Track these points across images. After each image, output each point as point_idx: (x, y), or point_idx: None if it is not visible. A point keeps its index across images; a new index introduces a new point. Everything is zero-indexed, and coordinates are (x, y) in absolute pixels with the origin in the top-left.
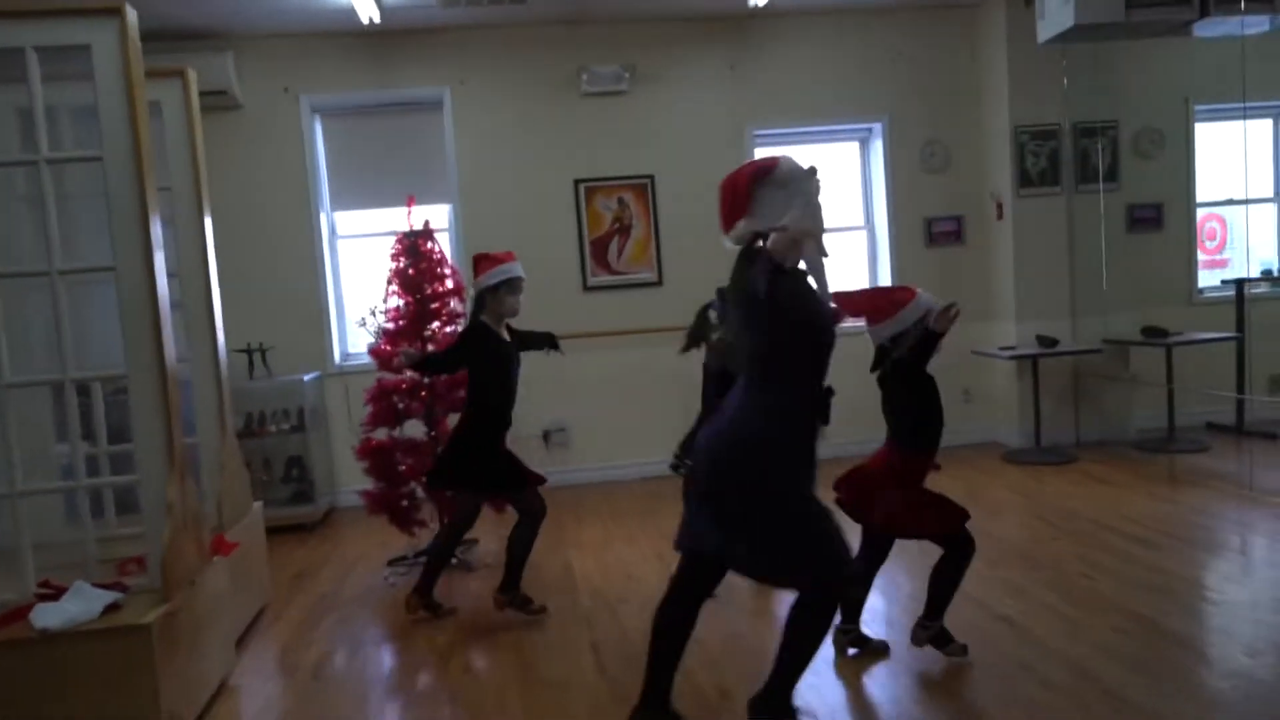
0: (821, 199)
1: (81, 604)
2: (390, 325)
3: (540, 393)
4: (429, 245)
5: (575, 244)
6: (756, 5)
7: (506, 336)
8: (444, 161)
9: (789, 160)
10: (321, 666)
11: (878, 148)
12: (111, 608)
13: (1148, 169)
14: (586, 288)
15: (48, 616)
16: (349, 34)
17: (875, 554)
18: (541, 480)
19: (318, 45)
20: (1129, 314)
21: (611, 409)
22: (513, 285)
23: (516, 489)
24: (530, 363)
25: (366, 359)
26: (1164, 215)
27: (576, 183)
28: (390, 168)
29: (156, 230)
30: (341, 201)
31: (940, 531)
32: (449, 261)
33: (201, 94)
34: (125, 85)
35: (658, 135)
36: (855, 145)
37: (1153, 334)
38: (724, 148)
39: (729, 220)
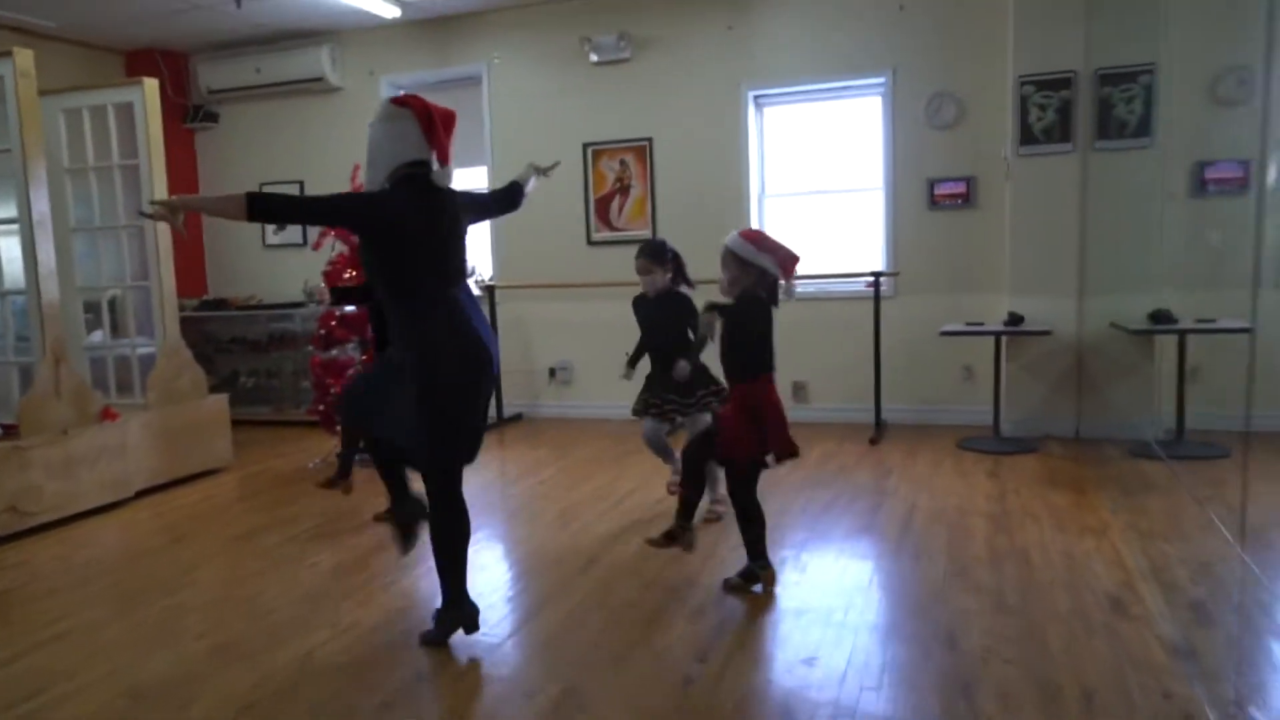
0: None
1: None
2: (329, 268)
3: (548, 334)
4: None
5: (582, 202)
6: None
7: None
8: (482, 129)
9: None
10: (168, 511)
11: (881, 104)
12: None
13: (1228, 118)
14: (591, 242)
15: None
16: (414, 23)
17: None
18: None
19: (391, 34)
20: (1182, 295)
21: (609, 351)
22: None
23: None
24: (540, 308)
25: None
26: (1252, 175)
27: (584, 146)
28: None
29: (41, 198)
30: None
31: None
32: None
33: (302, 81)
34: (19, 114)
35: (657, 99)
36: (878, 101)
37: (1162, 319)
38: (720, 110)
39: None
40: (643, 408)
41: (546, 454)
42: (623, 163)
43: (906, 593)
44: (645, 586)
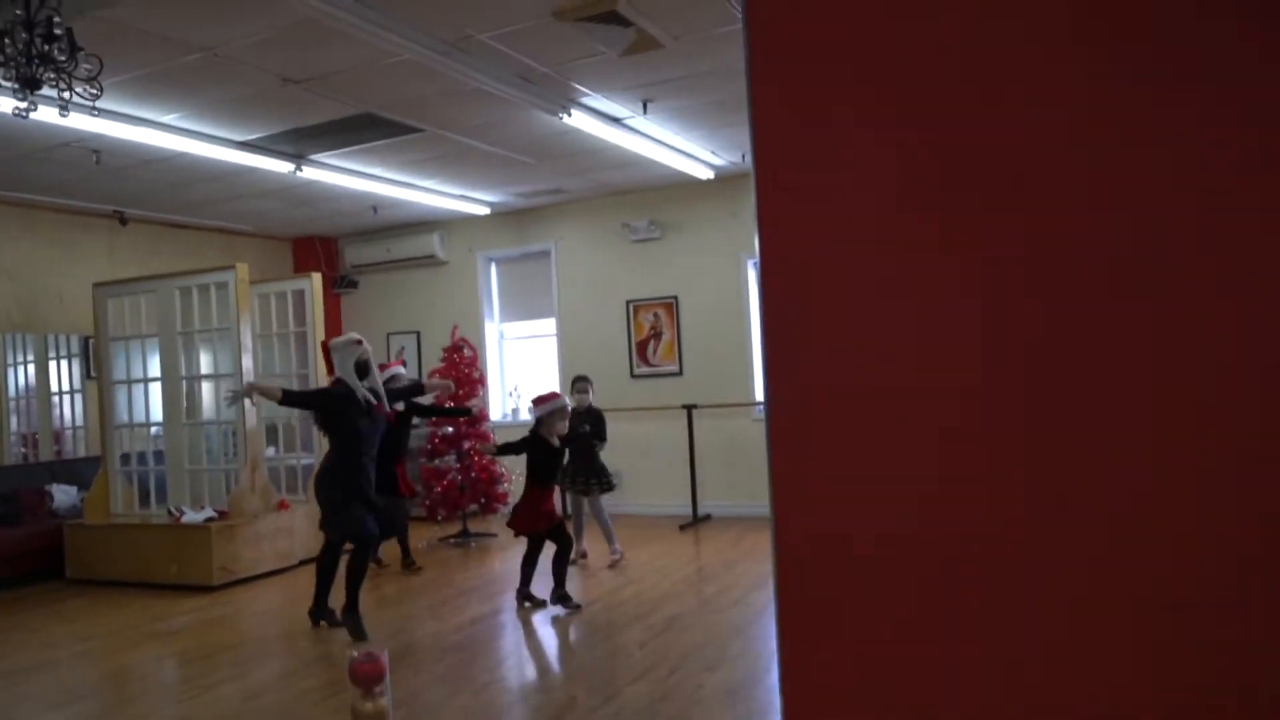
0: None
1: (200, 515)
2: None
3: (606, 449)
4: (462, 354)
5: (626, 345)
6: (709, 178)
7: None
8: (551, 290)
9: (337, 340)
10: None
11: None
12: (209, 519)
13: None
14: (633, 376)
15: (187, 517)
16: (500, 215)
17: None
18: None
19: (484, 223)
20: None
21: (649, 461)
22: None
23: None
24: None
25: (508, 416)
26: None
27: (627, 302)
28: (528, 294)
29: (247, 358)
30: (505, 315)
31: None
32: (476, 365)
33: (419, 257)
34: (236, 304)
35: (680, 267)
36: None
37: None
38: (726, 274)
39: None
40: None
41: (590, 540)
42: (656, 315)
43: None
44: (615, 610)
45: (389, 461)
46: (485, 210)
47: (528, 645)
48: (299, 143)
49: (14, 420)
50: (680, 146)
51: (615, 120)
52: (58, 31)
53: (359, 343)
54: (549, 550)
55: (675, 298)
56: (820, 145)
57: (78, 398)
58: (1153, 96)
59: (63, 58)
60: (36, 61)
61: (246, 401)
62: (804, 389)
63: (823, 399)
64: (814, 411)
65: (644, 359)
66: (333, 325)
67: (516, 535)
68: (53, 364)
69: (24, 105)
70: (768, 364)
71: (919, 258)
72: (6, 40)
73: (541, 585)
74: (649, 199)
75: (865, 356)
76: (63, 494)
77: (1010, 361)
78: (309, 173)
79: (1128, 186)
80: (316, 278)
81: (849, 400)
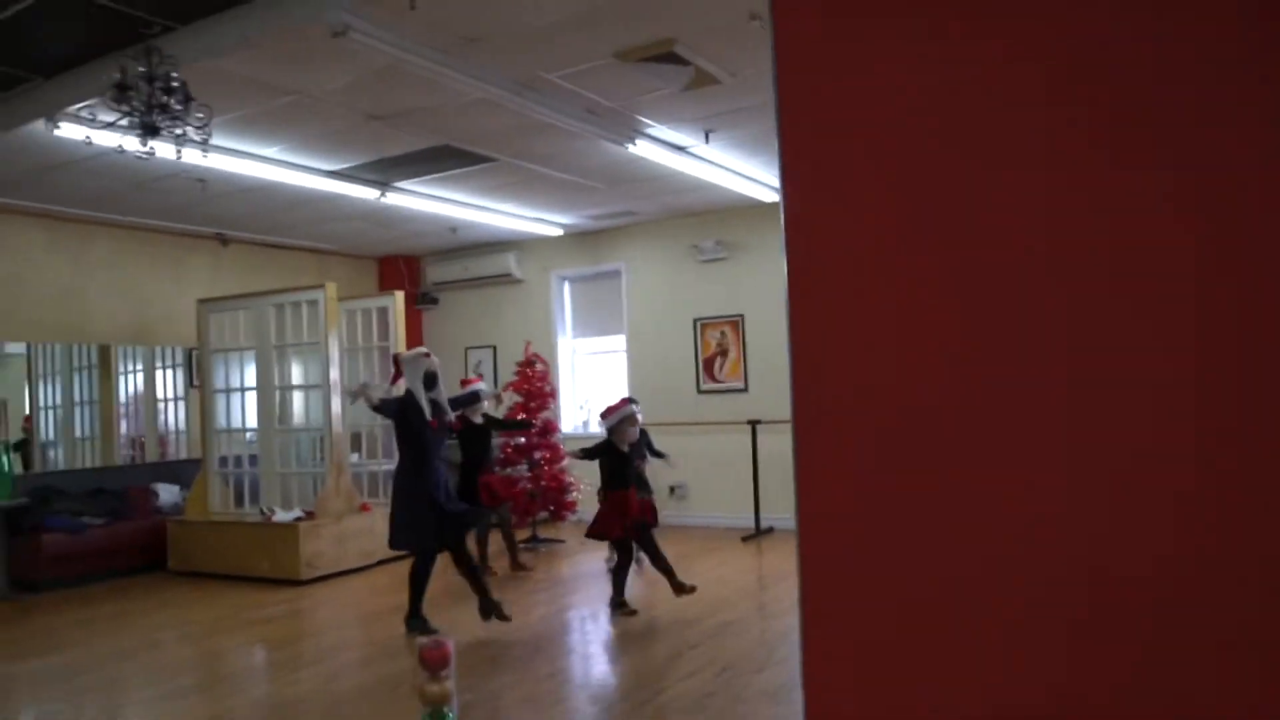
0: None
1: (289, 515)
2: (511, 410)
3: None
4: (535, 369)
5: (693, 362)
6: (773, 201)
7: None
8: (621, 308)
9: (406, 354)
10: (396, 573)
11: None
12: (298, 518)
13: None
14: (700, 391)
15: (279, 516)
16: (573, 235)
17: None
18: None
19: (557, 244)
20: None
21: (714, 475)
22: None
23: None
24: (663, 441)
25: (578, 428)
26: None
27: (695, 320)
28: (599, 312)
29: (334, 370)
30: (577, 332)
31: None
32: (549, 379)
33: (496, 275)
34: (325, 320)
35: (746, 286)
36: None
37: None
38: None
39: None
40: None
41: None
42: (722, 332)
43: None
44: (673, 615)
45: (473, 472)
46: (558, 231)
47: (589, 642)
48: (383, 171)
49: (124, 424)
50: (743, 171)
51: (679, 149)
52: (174, 84)
53: (427, 355)
54: (589, 554)
55: (741, 316)
56: (843, 169)
57: (181, 404)
58: (1157, 136)
59: (179, 107)
60: (157, 111)
61: (335, 406)
62: (828, 402)
63: (845, 412)
64: (837, 424)
65: (710, 375)
66: (414, 340)
67: (589, 537)
68: (159, 373)
69: (146, 150)
70: (794, 379)
71: (939, 278)
72: (132, 92)
73: (599, 593)
74: (715, 220)
75: (886, 371)
76: (166, 492)
77: (1029, 373)
78: (392, 198)
79: (1131, 193)
80: (399, 295)
81: (871, 414)
